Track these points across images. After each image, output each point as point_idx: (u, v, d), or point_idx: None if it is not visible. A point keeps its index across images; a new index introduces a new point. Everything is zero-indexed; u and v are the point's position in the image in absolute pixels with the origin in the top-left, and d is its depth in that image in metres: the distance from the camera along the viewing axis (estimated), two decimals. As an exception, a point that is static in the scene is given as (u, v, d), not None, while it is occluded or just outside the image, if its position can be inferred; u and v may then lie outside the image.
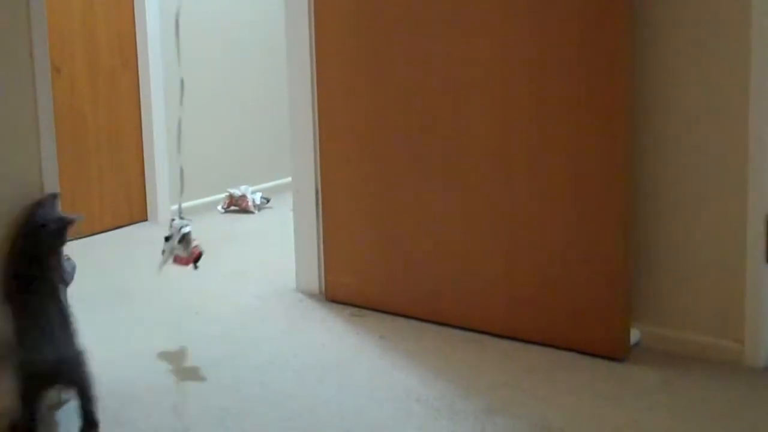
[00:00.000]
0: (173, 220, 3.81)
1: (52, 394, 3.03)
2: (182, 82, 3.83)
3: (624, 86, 3.47)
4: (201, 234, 3.93)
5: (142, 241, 5.69)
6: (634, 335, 3.69)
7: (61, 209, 3.24)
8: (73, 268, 3.16)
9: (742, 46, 3.39)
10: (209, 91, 6.40)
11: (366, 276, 4.24)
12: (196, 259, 3.75)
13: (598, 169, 3.54)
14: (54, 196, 3.08)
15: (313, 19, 4.25)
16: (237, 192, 6.43)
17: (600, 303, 3.60)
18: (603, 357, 3.61)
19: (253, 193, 6.46)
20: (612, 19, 3.43)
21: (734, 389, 3.37)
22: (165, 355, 3.74)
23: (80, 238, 5.60)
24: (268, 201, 6.53)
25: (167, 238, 3.76)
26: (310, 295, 4.46)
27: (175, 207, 6.10)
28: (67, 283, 3.05)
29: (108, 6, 5.81)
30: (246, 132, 6.75)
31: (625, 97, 3.48)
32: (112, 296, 4.52)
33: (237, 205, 6.42)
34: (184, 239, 3.76)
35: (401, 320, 4.09)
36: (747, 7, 3.37)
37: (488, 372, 3.55)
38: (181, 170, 3.88)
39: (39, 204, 3.04)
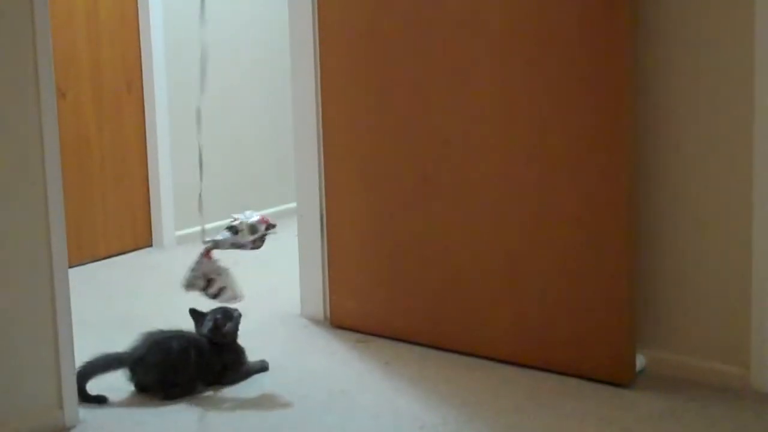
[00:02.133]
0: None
1: None
2: (199, 111, 3.85)
3: (629, 113, 3.47)
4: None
5: (146, 267, 5.68)
6: (640, 361, 3.67)
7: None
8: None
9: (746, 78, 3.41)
10: (212, 117, 6.41)
11: (371, 301, 4.23)
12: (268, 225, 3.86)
13: (603, 193, 3.53)
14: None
15: (317, 44, 4.26)
16: (241, 217, 6.41)
17: (605, 328, 3.59)
18: (608, 383, 3.59)
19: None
20: (616, 46, 3.43)
21: (740, 415, 3.36)
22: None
23: (84, 264, 5.59)
24: (273, 226, 6.51)
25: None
26: (315, 321, 4.45)
27: (179, 233, 6.13)
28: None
29: (113, 30, 5.83)
30: (250, 157, 6.76)
31: (630, 123, 3.48)
32: (117, 322, 4.52)
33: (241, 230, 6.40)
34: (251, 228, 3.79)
35: (406, 346, 4.07)
36: (750, 16, 3.38)
37: (493, 398, 3.54)
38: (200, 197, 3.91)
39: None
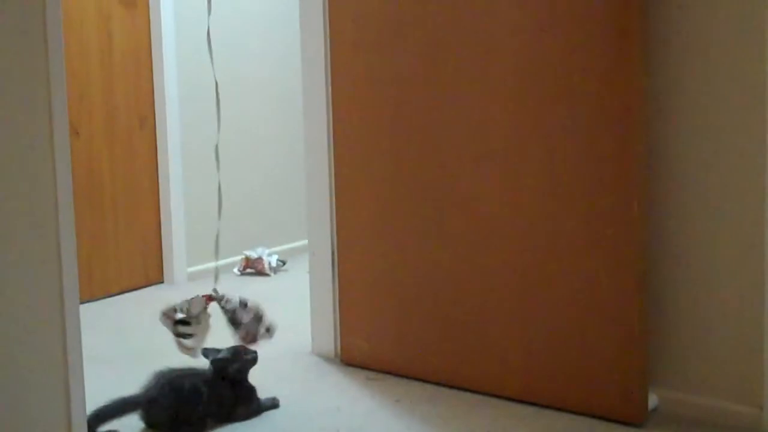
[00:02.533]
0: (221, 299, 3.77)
1: None
2: (216, 147, 3.89)
3: (639, 144, 3.48)
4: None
5: (158, 303, 5.67)
6: (652, 400, 3.65)
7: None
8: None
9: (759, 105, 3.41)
10: (225, 154, 6.44)
11: (382, 339, 4.22)
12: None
13: (615, 230, 3.53)
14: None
15: (330, 79, 4.28)
16: (253, 254, 6.43)
17: (617, 367, 3.58)
18: (620, 422, 3.57)
19: (269, 255, 6.46)
20: (626, 76, 3.44)
21: (754, 456, 3.34)
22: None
23: (96, 300, 5.60)
24: (284, 263, 6.52)
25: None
26: (326, 358, 4.45)
27: (190, 269, 6.15)
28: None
29: (126, 67, 5.87)
30: (262, 194, 6.78)
31: (640, 156, 3.49)
32: (128, 357, 4.52)
33: (253, 268, 6.42)
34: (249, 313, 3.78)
35: (417, 384, 4.06)
36: (762, 35, 3.39)
37: (504, 437, 3.53)
38: (217, 236, 4.01)
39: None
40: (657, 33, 3.56)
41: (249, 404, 3.74)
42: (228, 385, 3.69)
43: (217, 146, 3.86)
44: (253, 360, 3.77)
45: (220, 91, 3.85)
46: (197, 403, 3.58)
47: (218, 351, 3.74)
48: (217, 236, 3.94)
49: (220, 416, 3.66)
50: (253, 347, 3.75)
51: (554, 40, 3.61)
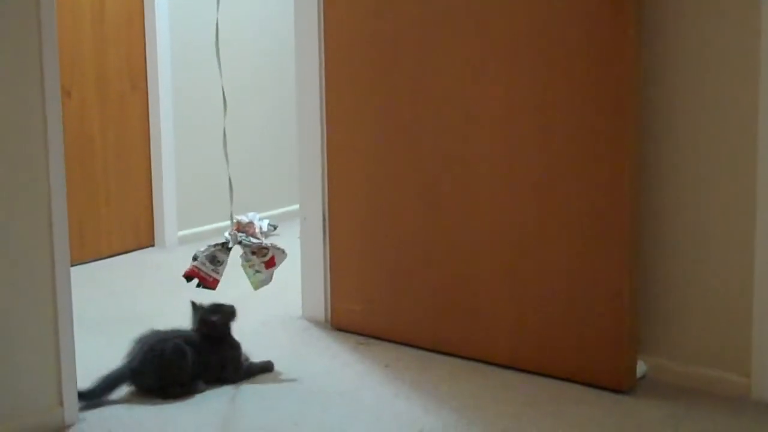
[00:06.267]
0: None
1: None
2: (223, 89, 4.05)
3: (631, 118, 3.47)
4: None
5: (148, 267, 5.69)
6: (641, 368, 3.67)
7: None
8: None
9: (752, 88, 3.41)
10: (217, 119, 6.41)
11: (372, 304, 4.23)
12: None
13: (605, 199, 3.53)
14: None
15: (323, 48, 4.26)
16: (244, 219, 6.41)
17: (606, 335, 3.59)
18: (608, 389, 3.59)
19: (260, 220, 6.44)
20: (619, 54, 3.43)
21: (741, 424, 3.35)
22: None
23: (86, 262, 5.59)
24: (275, 228, 6.50)
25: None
26: (316, 323, 4.45)
27: (181, 233, 6.15)
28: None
29: (119, 30, 5.83)
30: (254, 159, 6.76)
31: (632, 130, 3.48)
32: (118, 320, 4.52)
33: (244, 232, 6.40)
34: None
35: (407, 349, 4.07)
36: (756, 22, 3.38)
37: (492, 403, 3.54)
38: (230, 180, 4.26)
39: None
40: (653, 8, 3.54)
41: (236, 362, 3.73)
42: (213, 343, 3.68)
43: (224, 133, 3.91)
44: (232, 312, 3.77)
45: (212, 58, 3.85)
46: (182, 363, 3.58)
47: (199, 307, 3.73)
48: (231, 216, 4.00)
49: (209, 376, 3.67)
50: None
51: (551, 10, 3.59)
